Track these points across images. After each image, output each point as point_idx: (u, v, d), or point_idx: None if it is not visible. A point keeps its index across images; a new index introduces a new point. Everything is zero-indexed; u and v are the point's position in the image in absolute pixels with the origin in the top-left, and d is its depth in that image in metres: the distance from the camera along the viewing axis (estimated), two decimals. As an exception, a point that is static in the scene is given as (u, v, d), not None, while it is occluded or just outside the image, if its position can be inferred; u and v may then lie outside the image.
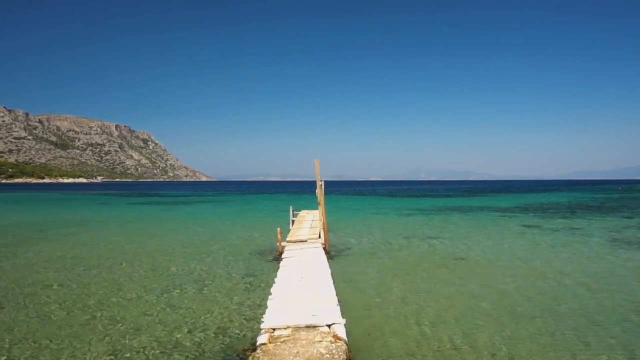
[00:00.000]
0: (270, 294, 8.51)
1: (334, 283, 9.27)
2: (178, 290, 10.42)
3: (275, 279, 9.87)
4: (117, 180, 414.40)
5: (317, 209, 20.91)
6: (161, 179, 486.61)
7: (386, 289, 10.51)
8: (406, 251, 16.28)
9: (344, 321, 6.74)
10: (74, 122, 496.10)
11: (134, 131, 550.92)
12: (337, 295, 8.32)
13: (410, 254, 15.74)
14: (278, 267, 11.53)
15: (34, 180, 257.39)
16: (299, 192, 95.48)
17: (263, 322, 6.84)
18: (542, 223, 26.34)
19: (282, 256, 13.13)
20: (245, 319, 8.26)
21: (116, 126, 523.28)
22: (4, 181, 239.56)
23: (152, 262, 14.14)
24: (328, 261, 12.13)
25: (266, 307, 7.69)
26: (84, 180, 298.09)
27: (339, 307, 7.44)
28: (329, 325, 6.57)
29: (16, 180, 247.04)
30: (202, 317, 8.36)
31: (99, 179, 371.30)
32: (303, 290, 8.62)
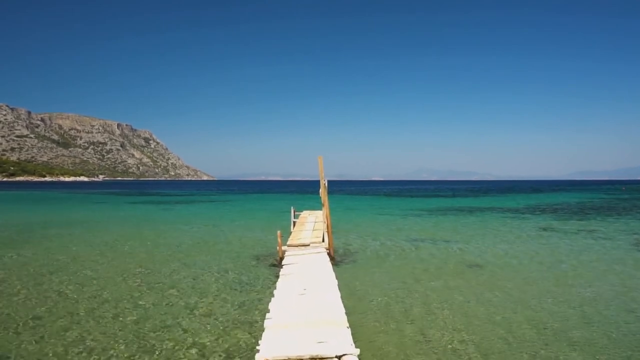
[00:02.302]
0: (268, 312, 7.24)
1: (342, 297, 7.99)
2: (157, 307, 9.11)
3: (275, 292, 8.60)
4: (119, 179, 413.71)
5: (319, 209, 19.70)
6: (162, 178, 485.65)
7: (402, 305, 9.25)
8: (417, 257, 15.02)
9: (357, 351, 5.48)
10: (76, 121, 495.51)
11: (135, 130, 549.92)
12: (346, 314, 7.05)
13: (421, 260, 14.47)
14: (277, 276, 10.27)
15: (35, 179, 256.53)
16: (301, 191, 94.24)
17: (258, 351, 5.59)
18: (557, 225, 25.03)
19: (283, 262, 11.86)
20: (237, 345, 7.00)
21: (118, 125, 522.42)
22: (5, 179, 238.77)
23: (137, 269, 12.90)
24: (333, 269, 10.84)
25: (262, 331, 6.44)
26: (85, 179, 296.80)
27: (349, 331, 6.18)
28: (339, 357, 5.32)
29: (17, 179, 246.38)
30: (184, 343, 7.10)
31: (101, 178, 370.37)
32: (306, 307, 7.36)
